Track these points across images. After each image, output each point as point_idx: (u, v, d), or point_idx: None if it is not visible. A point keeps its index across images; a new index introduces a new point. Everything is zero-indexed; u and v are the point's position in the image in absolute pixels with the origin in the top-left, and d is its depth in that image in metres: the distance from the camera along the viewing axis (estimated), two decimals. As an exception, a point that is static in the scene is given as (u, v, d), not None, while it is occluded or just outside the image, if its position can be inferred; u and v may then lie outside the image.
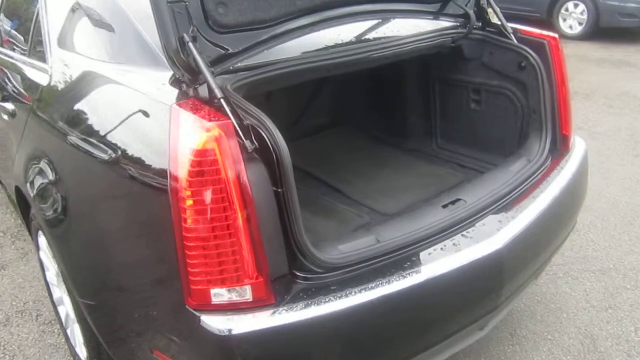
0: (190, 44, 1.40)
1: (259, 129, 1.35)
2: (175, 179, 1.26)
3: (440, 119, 2.53)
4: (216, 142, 1.25)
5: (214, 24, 1.53)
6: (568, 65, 2.13)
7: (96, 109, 1.64)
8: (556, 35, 2.10)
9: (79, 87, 1.75)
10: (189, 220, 1.26)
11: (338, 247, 1.49)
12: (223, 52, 1.55)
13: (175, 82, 1.47)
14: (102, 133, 1.55)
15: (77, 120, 1.67)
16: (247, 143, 1.30)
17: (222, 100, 1.35)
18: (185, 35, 1.41)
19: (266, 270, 1.32)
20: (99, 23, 1.78)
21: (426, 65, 2.43)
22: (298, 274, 1.40)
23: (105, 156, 1.50)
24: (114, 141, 1.49)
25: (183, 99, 1.39)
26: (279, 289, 1.36)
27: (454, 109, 2.45)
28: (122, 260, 1.56)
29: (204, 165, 1.25)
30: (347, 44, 1.85)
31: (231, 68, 1.57)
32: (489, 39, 2.17)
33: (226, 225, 1.27)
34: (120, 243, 1.55)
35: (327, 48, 1.80)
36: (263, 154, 1.34)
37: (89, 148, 1.57)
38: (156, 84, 1.48)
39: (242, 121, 1.34)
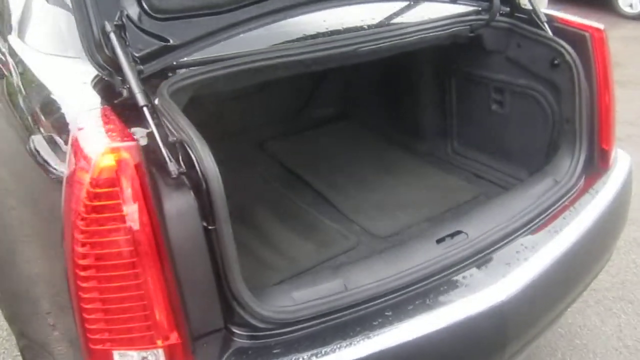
0: (112, 34, 1.12)
1: (187, 147, 1.06)
2: (68, 215, 0.99)
3: (457, 119, 2.18)
4: (121, 168, 0.97)
5: (151, 8, 1.23)
6: (624, 49, 1.74)
7: (23, 111, 1.38)
8: (602, 27, 1.71)
9: (15, 80, 1.50)
10: (84, 268, 0.99)
11: (292, 294, 1.20)
12: (163, 44, 1.25)
13: (100, 81, 1.19)
14: (17, 140, 1.30)
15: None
16: (172, 165, 1.03)
17: (144, 110, 1.07)
18: (107, 23, 1.13)
19: (184, 328, 1.05)
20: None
21: (441, 56, 2.07)
22: (235, 330, 1.13)
23: (14, 166, 1.26)
24: (21, 153, 1.23)
25: (98, 105, 1.11)
26: (207, 349, 1.10)
27: (472, 110, 2.09)
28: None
29: (103, 199, 0.97)
30: (333, 33, 1.53)
31: (174, 64, 1.27)
32: (516, 29, 1.79)
33: (133, 273, 1.00)
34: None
35: (305, 38, 1.48)
36: (194, 179, 1.06)
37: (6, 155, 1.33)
38: (77, 83, 1.21)
39: (168, 137, 1.06)
